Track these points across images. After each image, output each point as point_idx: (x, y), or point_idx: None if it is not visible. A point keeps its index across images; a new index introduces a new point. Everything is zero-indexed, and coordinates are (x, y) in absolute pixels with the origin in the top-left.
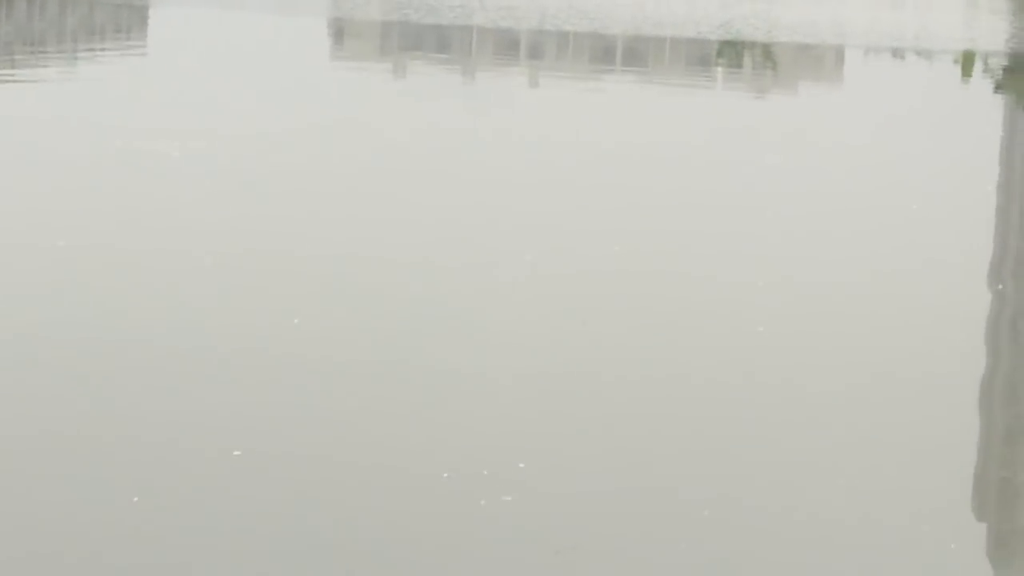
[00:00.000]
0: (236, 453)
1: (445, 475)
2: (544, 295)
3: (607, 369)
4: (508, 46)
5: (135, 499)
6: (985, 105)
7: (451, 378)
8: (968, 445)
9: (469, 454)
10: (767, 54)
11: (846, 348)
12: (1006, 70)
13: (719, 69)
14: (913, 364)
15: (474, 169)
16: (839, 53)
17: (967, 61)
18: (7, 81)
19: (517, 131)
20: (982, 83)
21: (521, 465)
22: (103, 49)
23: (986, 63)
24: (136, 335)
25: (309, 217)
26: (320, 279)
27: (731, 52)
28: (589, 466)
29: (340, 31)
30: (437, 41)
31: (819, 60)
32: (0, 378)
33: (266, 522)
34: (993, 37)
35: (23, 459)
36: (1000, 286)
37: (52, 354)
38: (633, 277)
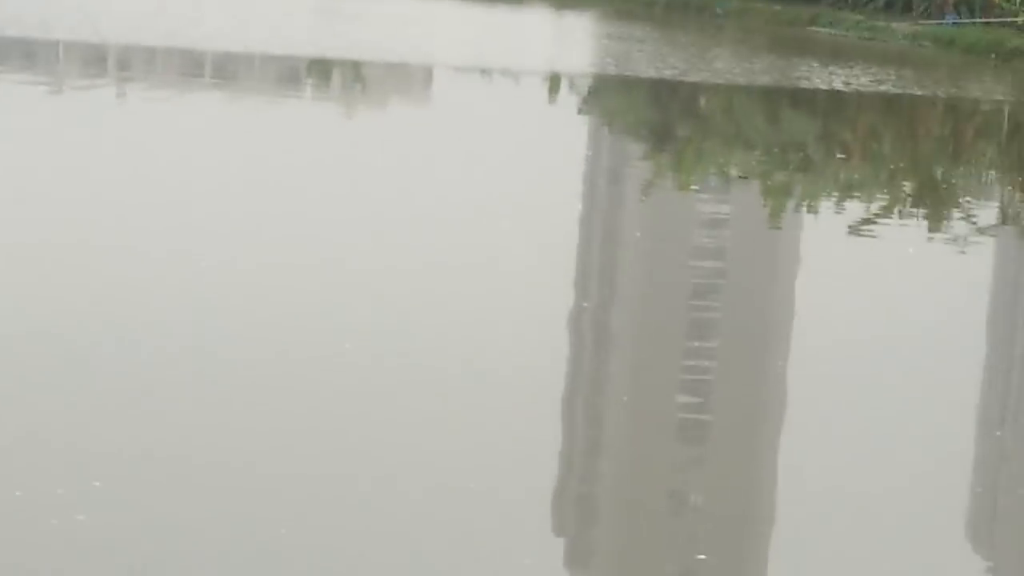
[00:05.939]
0: None
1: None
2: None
3: None
4: (95, 60)
5: None
6: (571, 124)
7: None
8: None
9: None
10: (356, 73)
11: None
12: (590, 91)
13: (308, 86)
14: None
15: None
16: (428, 73)
17: (553, 83)
18: None
19: (106, 148)
20: (568, 103)
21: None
22: None
23: (571, 84)
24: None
25: None
26: None
27: (320, 70)
28: None
29: None
30: (22, 55)
31: (408, 79)
32: None
33: None
34: (580, 59)
35: None
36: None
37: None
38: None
